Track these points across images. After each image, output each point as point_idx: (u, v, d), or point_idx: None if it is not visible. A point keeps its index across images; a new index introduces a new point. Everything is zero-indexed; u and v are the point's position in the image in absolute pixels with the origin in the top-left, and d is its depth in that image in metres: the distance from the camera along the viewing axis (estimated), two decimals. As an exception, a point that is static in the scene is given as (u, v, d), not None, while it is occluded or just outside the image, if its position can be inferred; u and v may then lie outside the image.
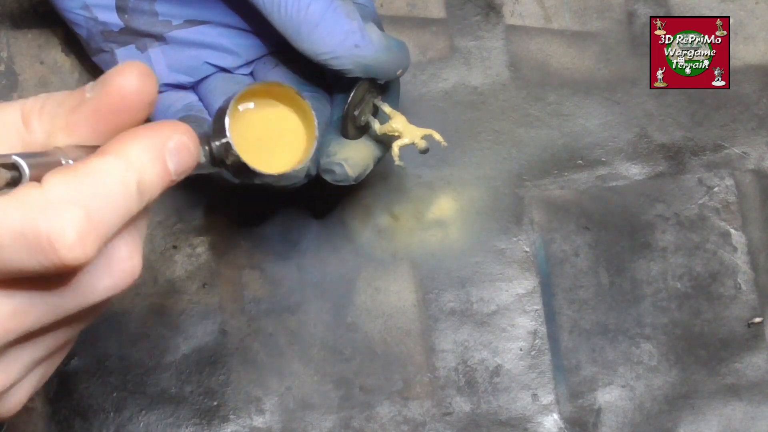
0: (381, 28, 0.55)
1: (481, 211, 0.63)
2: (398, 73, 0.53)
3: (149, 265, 0.61)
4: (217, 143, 0.41)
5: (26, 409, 0.58)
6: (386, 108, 0.55)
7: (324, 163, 0.55)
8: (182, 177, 0.39)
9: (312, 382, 0.60)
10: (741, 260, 0.64)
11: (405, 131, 0.55)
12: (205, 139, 0.41)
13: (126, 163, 0.36)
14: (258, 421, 0.60)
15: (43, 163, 0.36)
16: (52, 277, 0.36)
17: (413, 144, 0.55)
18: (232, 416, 0.60)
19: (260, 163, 0.41)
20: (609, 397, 0.62)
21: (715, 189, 0.65)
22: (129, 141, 0.37)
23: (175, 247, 0.61)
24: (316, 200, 0.62)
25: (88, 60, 0.63)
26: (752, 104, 0.66)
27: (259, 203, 0.62)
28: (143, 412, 0.59)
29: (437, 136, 0.55)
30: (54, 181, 0.35)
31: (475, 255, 0.63)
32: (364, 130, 0.55)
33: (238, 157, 0.41)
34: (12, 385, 0.39)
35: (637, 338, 0.62)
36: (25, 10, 0.63)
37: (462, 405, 0.61)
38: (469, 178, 0.63)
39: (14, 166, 0.35)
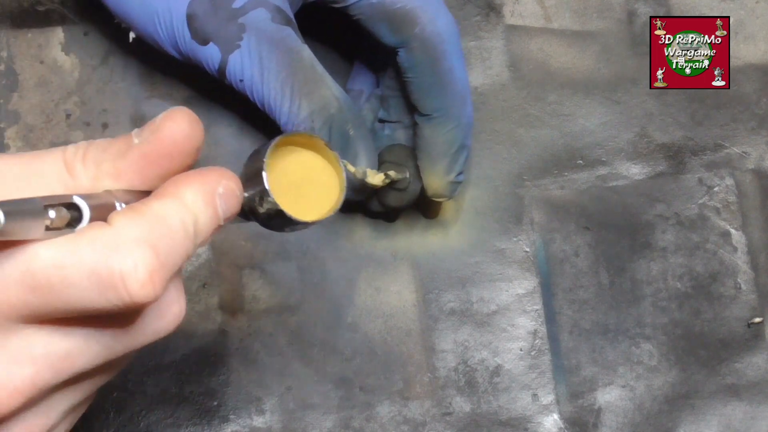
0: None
1: (481, 211, 0.63)
2: None
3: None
4: (250, 192, 0.41)
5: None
6: (349, 167, 0.56)
7: None
8: (227, 222, 0.40)
9: (312, 382, 0.60)
10: (741, 260, 0.64)
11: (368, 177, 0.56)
12: None
13: (184, 206, 0.37)
14: (258, 421, 0.60)
15: (99, 205, 0.37)
16: (110, 319, 0.37)
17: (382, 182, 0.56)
18: (232, 416, 0.60)
19: (294, 211, 0.42)
20: (609, 397, 0.62)
21: (715, 189, 0.65)
22: (183, 185, 0.38)
23: (175, 247, 0.61)
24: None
25: (88, 60, 0.63)
26: (752, 104, 0.66)
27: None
28: (143, 412, 0.59)
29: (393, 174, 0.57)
30: (122, 220, 0.36)
31: (475, 255, 0.63)
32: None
33: (275, 205, 0.41)
34: None
35: (637, 338, 0.63)
36: (25, 10, 0.63)
37: (462, 405, 0.61)
38: (469, 178, 0.63)
39: (73, 206, 0.36)
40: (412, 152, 0.59)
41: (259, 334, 0.61)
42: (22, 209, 0.34)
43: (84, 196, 0.36)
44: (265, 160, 0.41)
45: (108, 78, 0.63)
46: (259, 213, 0.42)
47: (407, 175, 0.58)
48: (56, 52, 0.63)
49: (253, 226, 0.62)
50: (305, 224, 0.42)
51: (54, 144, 0.62)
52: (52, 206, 0.35)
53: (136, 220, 0.36)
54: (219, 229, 0.39)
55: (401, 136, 0.60)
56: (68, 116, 0.62)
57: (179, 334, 0.60)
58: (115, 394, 0.59)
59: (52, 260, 0.35)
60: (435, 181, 0.58)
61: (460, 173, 0.58)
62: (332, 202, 0.44)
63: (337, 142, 0.55)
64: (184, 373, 0.60)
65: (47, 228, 0.35)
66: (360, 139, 0.55)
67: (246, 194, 0.42)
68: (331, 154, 0.45)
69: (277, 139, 0.43)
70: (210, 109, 0.63)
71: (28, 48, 0.63)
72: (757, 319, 0.63)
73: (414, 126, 0.58)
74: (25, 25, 0.63)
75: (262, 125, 0.62)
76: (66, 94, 0.63)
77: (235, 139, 0.63)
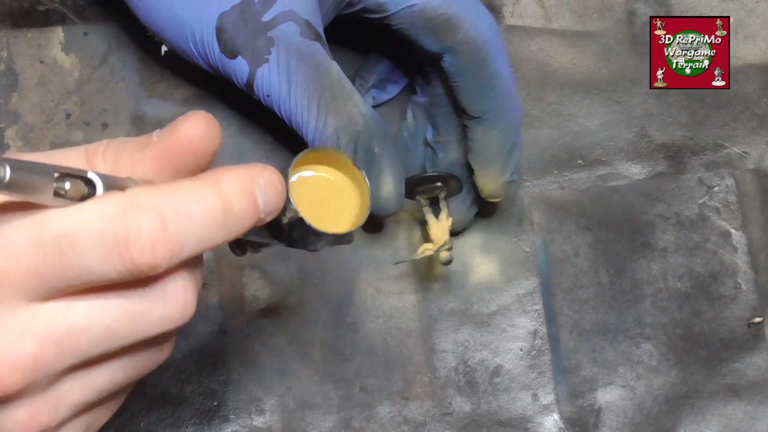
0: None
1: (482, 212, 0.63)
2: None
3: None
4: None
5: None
6: (444, 213, 0.59)
7: None
8: (268, 218, 0.40)
9: (312, 382, 0.60)
10: (741, 260, 0.64)
11: (435, 238, 0.59)
12: None
13: (216, 191, 0.38)
14: (258, 421, 0.60)
15: (116, 185, 0.38)
16: (112, 295, 0.37)
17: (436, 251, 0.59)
18: (232, 416, 0.60)
19: (316, 223, 0.42)
20: (609, 397, 0.62)
21: (716, 189, 0.65)
22: (223, 171, 0.39)
23: (175, 247, 0.61)
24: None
25: (88, 60, 0.63)
26: (752, 104, 0.66)
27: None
28: (143, 412, 0.59)
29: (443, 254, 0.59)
30: (137, 189, 0.37)
31: (476, 255, 0.63)
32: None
33: (296, 213, 0.42)
34: (57, 428, 0.39)
35: (638, 338, 0.63)
36: (25, 9, 0.63)
37: (462, 405, 0.61)
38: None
39: (90, 183, 0.37)
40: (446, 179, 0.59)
41: (259, 334, 0.61)
42: (30, 167, 0.35)
43: (100, 174, 0.37)
44: (289, 170, 0.42)
45: (108, 78, 0.63)
46: (282, 225, 0.42)
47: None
48: (56, 52, 0.63)
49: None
50: (324, 235, 0.43)
51: (54, 144, 0.62)
52: (67, 176, 0.36)
53: (152, 190, 0.37)
54: (260, 222, 0.40)
55: (454, 153, 0.61)
56: (68, 116, 0.62)
57: (179, 333, 0.60)
58: (115, 394, 0.59)
59: (61, 224, 0.36)
60: (490, 182, 0.59)
61: (514, 172, 0.59)
62: (354, 219, 0.45)
63: (362, 159, 0.56)
64: (184, 373, 0.60)
65: (58, 195, 0.36)
66: (385, 157, 0.56)
67: None
68: (358, 172, 0.46)
69: (302, 154, 0.44)
70: (210, 109, 0.62)
71: (28, 48, 0.63)
72: (757, 319, 0.63)
73: (464, 129, 0.59)
74: (25, 25, 0.63)
75: (262, 126, 0.62)
76: (66, 93, 0.63)
77: (235, 139, 0.63)
